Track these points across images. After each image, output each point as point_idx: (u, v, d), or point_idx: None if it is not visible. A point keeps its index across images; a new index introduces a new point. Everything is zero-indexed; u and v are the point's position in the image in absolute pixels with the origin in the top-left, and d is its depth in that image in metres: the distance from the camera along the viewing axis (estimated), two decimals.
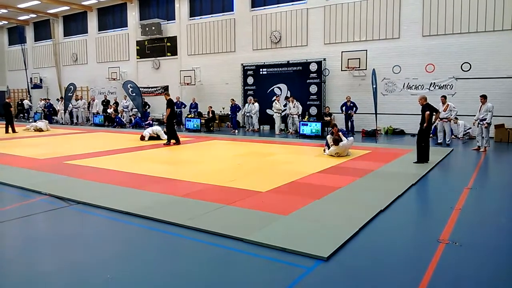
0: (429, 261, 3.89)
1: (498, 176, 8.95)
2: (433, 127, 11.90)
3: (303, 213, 5.40)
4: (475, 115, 12.04)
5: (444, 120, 13.00)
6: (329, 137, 10.84)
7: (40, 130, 18.41)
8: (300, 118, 17.03)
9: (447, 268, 3.79)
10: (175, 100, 20.98)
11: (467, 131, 14.57)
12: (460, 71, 15.35)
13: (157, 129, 14.88)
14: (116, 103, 23.20)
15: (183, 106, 21.38)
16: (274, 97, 18.17)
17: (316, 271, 3.71)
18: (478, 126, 11.69)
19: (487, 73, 14.85)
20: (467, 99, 14.79)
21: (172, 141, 13.20)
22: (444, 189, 7.53)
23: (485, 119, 11.45)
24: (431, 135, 10.84)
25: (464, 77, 15.28)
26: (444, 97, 13.34)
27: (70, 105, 24.37)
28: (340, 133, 10.60)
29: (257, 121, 18.64)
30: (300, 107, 17.45)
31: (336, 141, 10.26)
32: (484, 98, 11.63)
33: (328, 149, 10.58)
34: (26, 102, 29.94)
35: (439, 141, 13.15)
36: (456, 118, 14.16)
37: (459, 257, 4.07)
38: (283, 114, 17.94)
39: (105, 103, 24.12)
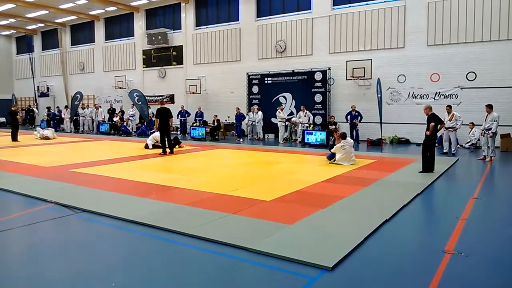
0: (434, 272, 3.86)
1: (504, 186, 8.90)
2: (438, 136, 11.87)
3: (308, 223, 5.38)
4: (481, 125, 12.00)
5: (449, 129, 12.97)
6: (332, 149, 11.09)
7: (47, 138, 18.59)
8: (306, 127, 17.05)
9: (453, 279, 3.76)
10: (179, 109, 21.11)
11: (475, 141, 14.43)
12: (466, 81, 15.33)
13: (157, 135, 14.65)
14: (122, 112, 23.33)
15: (188, 115, 21.45)
16: (278, 107, 18.20)
17: (320, 280, 3.70)
18: (483, 136, 11.65)
19: (492, 83, 14.82)
20: (473, 109, 14.73)
21: (170, 149, 13.15)
22: (450, 199, 7.50)
23: (490, 129, 11.39)
24: (436, 144, 10.82)
25: (470, 86, 15.25)
26: (449, 106, 13.32)
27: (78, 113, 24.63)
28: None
29: (261, 129, 18.68)
30: (311, 116, 17.50)
31: (343, 136, 10.69)
32: (489, 107, 11.56)
33: (331, 159, 10.75)
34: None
35: (444, 151, 13.10)
36: (472, 124, 14.31)
37: (464, 267, 4.04)
38: (290, 121, 17.93)
39: (111, 112, 24.29)
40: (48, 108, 27.69)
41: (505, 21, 14.50)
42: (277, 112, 17.81)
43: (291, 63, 19.32)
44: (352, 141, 11.12)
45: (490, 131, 11.36)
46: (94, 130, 23.98)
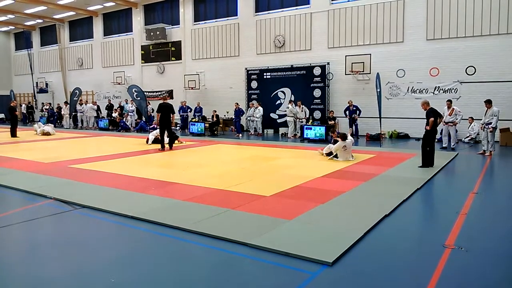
0: (434, 267, 3.87)
1: (503, 180, 8.89)
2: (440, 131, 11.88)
3: (307, 218, 5.38)
4: (480, 119, 11.98)
5: (449, 124, 12.95)
6: (329, 146, 11.05)
7: (48, 134, 18.66)
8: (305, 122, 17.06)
9: (453, 274, 3.76)
10: (180, 105, 21.03)
11: (474, 136, 14.42)
12: (465, 75, 15.29)
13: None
14: (121, 107, 23.26)
15: (189, 110, 21.38)
16: (289, 102, 17.97)
17: (321, 276, 3.70)
18: (483, 130, 11.63)
19: (492, 77, 14.79)
20: (472, 103, 14.71)
21: (170, 144, 13.09)
22: (450, 193, 7.50)
23: (490, 123, 11.37)
24: (436, 140, 10.82)
25: (469, 81, 15.22)
26: (449, 101, 13.30)
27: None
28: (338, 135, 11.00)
29: (261, 125, 18.65)
30: (307, 111, 17.46)
31: (344, 137, 10.41)
32: (488, 103, 11.50)
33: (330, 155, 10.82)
34: (23, 106, 30.51)
35: (444, 145, 13.09)
36: (472, 118, 14.29)
37: (464, 262, 4.04)
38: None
39: (108, 107, 24.22)
40: (49, 104, 27.66)
41: (505, 15, 14.44)
42: (291, 105, 17.49)
43: (290, 58, 19.26)
44: (352, 139, 11.14)
45: (490, 126, 11.33)
46: (93, 125, 23.92)
